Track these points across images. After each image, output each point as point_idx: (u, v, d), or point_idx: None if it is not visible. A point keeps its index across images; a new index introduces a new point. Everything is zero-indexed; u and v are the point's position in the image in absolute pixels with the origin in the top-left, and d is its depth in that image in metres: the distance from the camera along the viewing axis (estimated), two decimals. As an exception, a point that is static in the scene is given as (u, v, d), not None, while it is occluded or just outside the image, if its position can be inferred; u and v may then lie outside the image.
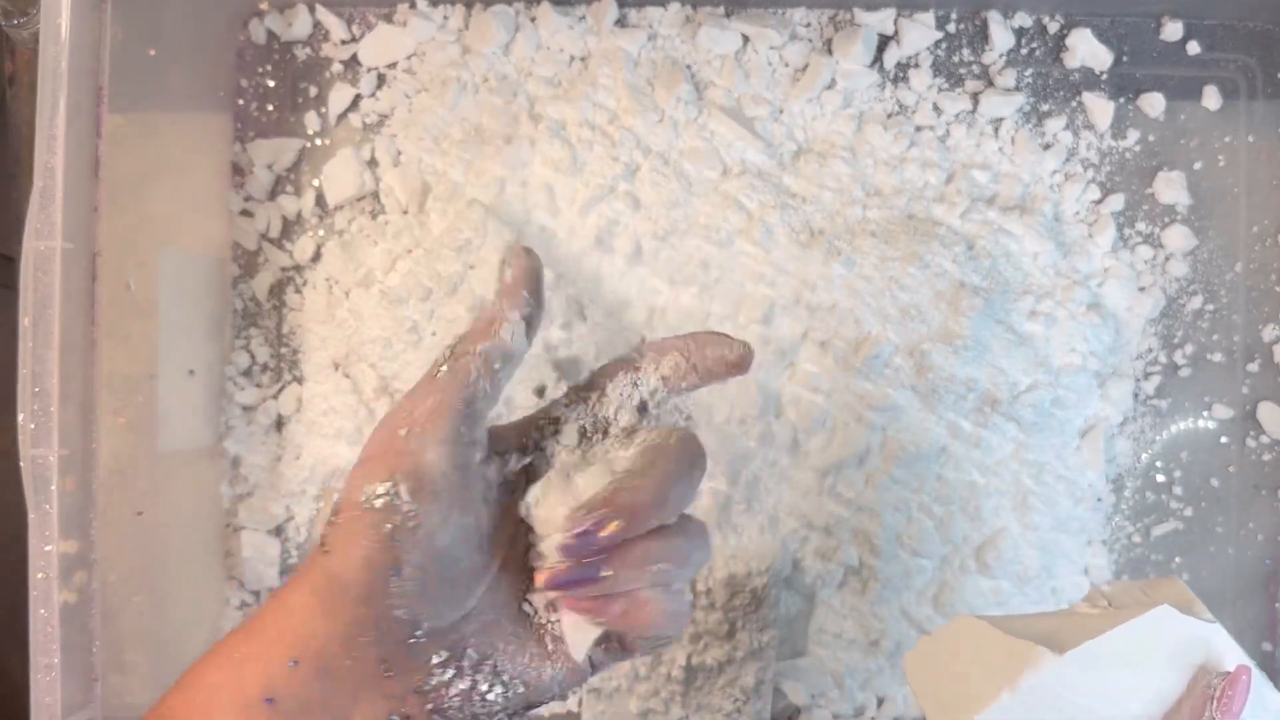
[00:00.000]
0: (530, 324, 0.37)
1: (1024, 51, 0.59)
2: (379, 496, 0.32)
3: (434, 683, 0.33)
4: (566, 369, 0.56)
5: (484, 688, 0.34)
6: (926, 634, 0.47)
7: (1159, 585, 0.43)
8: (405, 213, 0.59)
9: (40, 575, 0.46)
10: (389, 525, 0.31)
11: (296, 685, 0.31)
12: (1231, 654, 0.40)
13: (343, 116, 0.60)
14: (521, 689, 0.35)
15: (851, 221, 0.58)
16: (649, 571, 0.33)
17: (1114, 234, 0.59)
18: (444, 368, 0.34)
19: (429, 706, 0.33)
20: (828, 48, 0.59)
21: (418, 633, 0.32)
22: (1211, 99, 0.59)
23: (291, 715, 0.31)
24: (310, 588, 0.32)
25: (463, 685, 0.33)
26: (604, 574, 0.32)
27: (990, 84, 0.59)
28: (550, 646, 0.35)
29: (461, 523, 0.33)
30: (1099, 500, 0.59)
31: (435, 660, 0.33)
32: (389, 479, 0.32)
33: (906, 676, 0.45)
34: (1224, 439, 0.59)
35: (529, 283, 0.36)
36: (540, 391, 0.56)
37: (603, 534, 0.32)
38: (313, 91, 0.60)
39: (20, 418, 0.45)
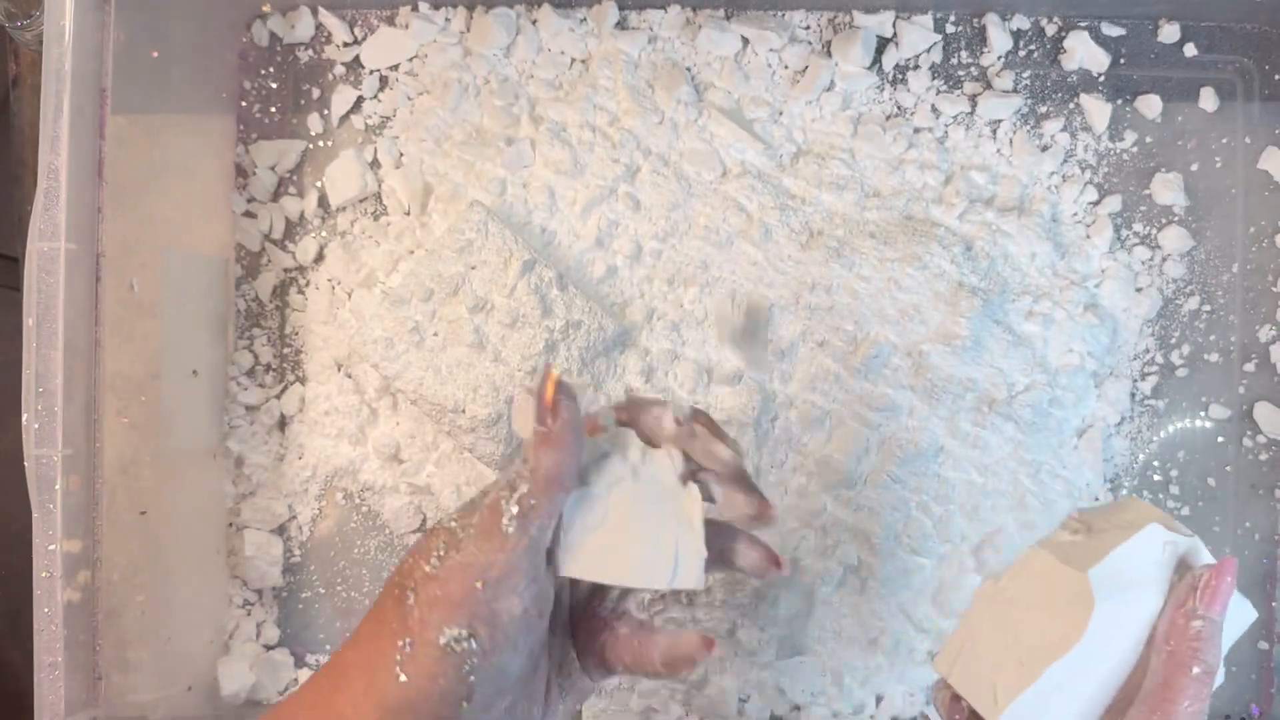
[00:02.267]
0: (578, 460, 0.38)
1: (1022, 54, 0.60)
2: (459, 641, 0.35)
3: None
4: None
5: None
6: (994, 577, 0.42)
7: (1123, 505, 0.41)
8: (407, 214, 0.59)
9: (44, 574, 0.46)
10: (466, 666, 0.35)
11: None
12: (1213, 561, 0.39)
13: (345, 118, 0.60)
14: None
15: (851, 223, 0.58)
16: None
17: (1111, 235, 0.59)
18: (510, 526, 0.36)
19: None
20: (827, 50, 0.59)
21: None
22: (1208, 100, 0.59)
23: None
24: (377, 707, 0.35)
25: None
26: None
27: (988, 86, 0.59)
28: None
29: (529, 646, 0.37)
30: (1096, 499, 0.59)
31: None
32: (468, 626, 0.35)
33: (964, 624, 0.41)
34: (1221, 439, 0.59)
35: (572, 423, 0.37)
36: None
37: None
38: (315, 93, 0.61)
39: (24, 418, 0.46)
